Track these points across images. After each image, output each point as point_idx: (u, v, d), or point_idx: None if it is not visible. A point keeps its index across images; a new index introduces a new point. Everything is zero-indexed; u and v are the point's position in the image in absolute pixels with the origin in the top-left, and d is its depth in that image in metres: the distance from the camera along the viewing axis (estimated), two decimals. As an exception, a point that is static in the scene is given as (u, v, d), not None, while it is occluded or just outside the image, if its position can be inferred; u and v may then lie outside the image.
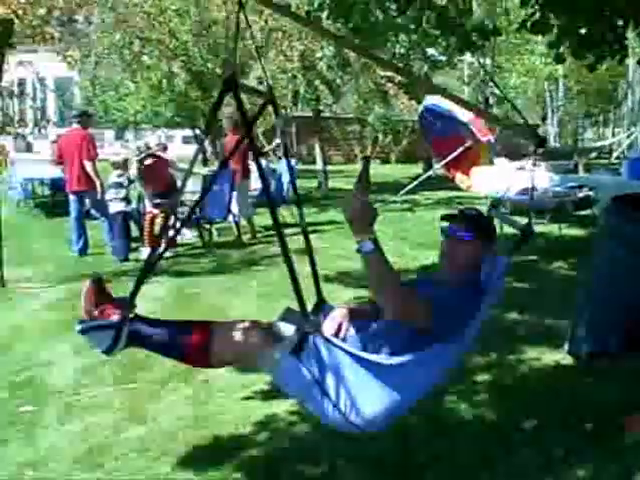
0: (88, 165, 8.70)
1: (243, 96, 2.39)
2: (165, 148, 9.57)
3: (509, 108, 27.18)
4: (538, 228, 10.42)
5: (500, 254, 2.85)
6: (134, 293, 2.53)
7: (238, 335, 2.62)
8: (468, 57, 21.87)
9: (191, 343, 2.65)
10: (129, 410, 4.26)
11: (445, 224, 2.93)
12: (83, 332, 2.57)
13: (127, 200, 9.22)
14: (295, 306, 2.42)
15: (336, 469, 3.52)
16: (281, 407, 4.11)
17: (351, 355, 2.43)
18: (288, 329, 2.65)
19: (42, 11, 7.01)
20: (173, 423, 4.05)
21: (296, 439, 3.82)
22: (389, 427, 2.68)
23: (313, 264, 2.87)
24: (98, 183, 8.71)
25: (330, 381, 2.44)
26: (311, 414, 2.88)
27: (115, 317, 2.57)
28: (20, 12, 6.86)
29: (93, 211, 9.09)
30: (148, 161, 9.09)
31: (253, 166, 10.03)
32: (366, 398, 2.47)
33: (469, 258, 2.82)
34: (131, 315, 2.56)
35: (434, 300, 2.49)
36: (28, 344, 5.56)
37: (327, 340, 2.43)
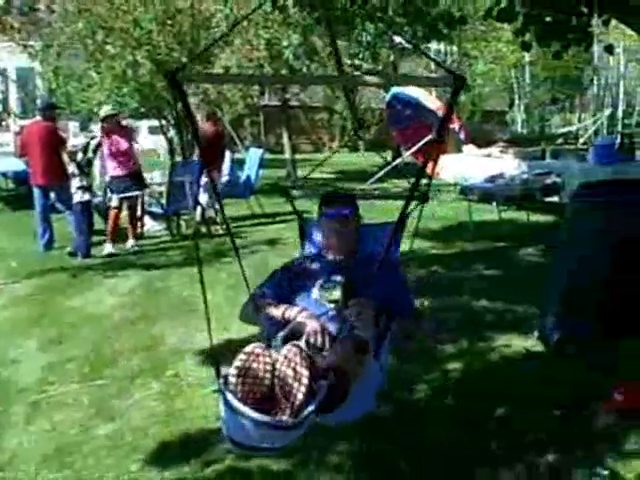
0: (64, 157, 8.61)
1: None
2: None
3: (476, 94, 27.43)
4: (506, 215, 10.51)
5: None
6: None
7: None
8: (434, 44, 21.93)
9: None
10: (97, 407, 4.19)
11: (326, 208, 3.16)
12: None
13: (90, 190, 8.92)
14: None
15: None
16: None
17: None
18: None
19: (1, 1, 6.81)
20: (143, 419, 4.00)
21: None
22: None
23: None
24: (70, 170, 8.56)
25: None
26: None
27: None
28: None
29: (58, 204, 8.92)
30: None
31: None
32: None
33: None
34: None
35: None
36: (-6, 341, 5.46)
37: None
